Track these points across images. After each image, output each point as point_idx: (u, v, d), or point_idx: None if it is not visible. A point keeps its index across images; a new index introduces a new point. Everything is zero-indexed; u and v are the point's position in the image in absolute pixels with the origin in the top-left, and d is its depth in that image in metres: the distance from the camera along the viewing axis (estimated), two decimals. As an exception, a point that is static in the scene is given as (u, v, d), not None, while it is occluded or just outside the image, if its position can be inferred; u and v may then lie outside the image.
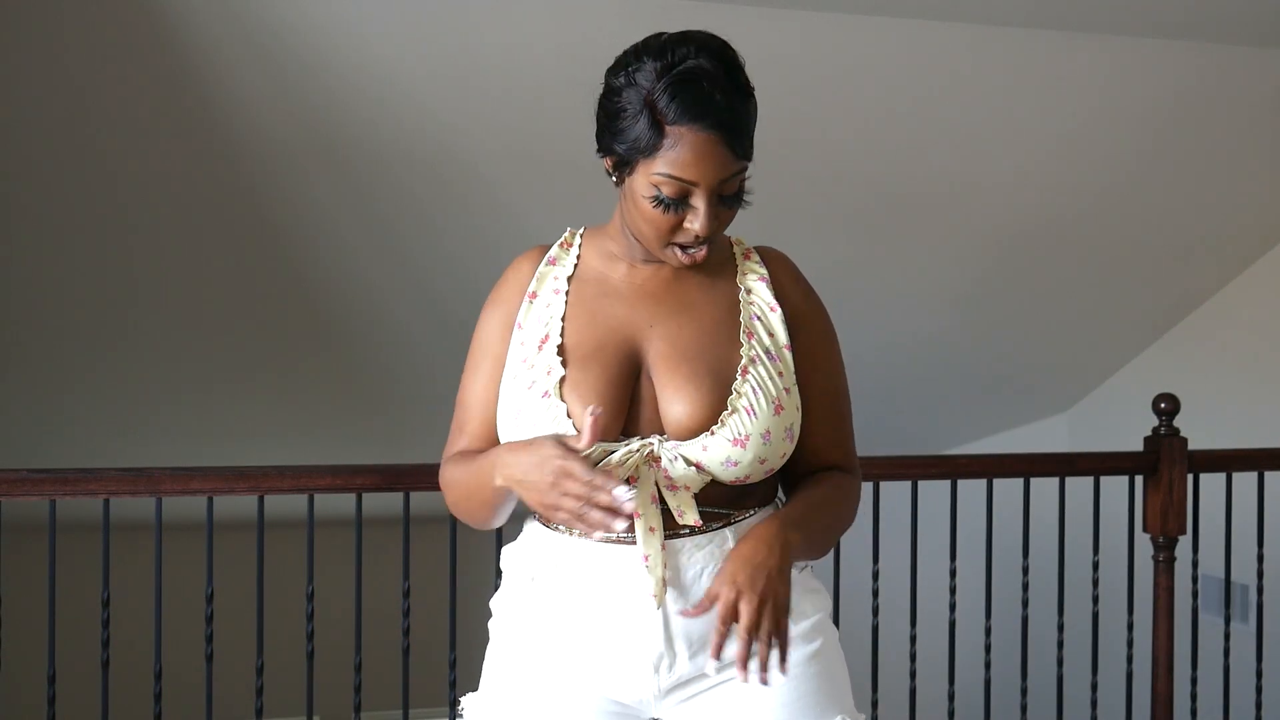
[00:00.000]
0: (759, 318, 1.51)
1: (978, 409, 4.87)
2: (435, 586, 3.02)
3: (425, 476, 2.43)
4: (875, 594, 2.79)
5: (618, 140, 1.43)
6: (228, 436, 4.20)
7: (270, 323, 3.78)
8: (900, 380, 4.54)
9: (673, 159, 1.38)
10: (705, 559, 1.44)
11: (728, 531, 1.46)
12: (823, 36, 3.03)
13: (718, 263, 1.56)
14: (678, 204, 1.41)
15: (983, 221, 3.79)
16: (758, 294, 1.53)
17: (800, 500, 1.49)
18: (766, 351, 1.48)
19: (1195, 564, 3.04)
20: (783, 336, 1.50)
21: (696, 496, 1.43)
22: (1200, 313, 4.28)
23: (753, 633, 1.36)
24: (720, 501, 1.46)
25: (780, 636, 1.37)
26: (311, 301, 3.74)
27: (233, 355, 3.87)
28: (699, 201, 1.41)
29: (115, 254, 3.37)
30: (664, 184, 1.40)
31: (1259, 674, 3.09)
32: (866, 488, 2.79)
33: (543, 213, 3.41)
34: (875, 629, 2.82)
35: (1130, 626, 3.02)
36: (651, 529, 1.40)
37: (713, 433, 1.42)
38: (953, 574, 2.89)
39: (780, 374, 1.47)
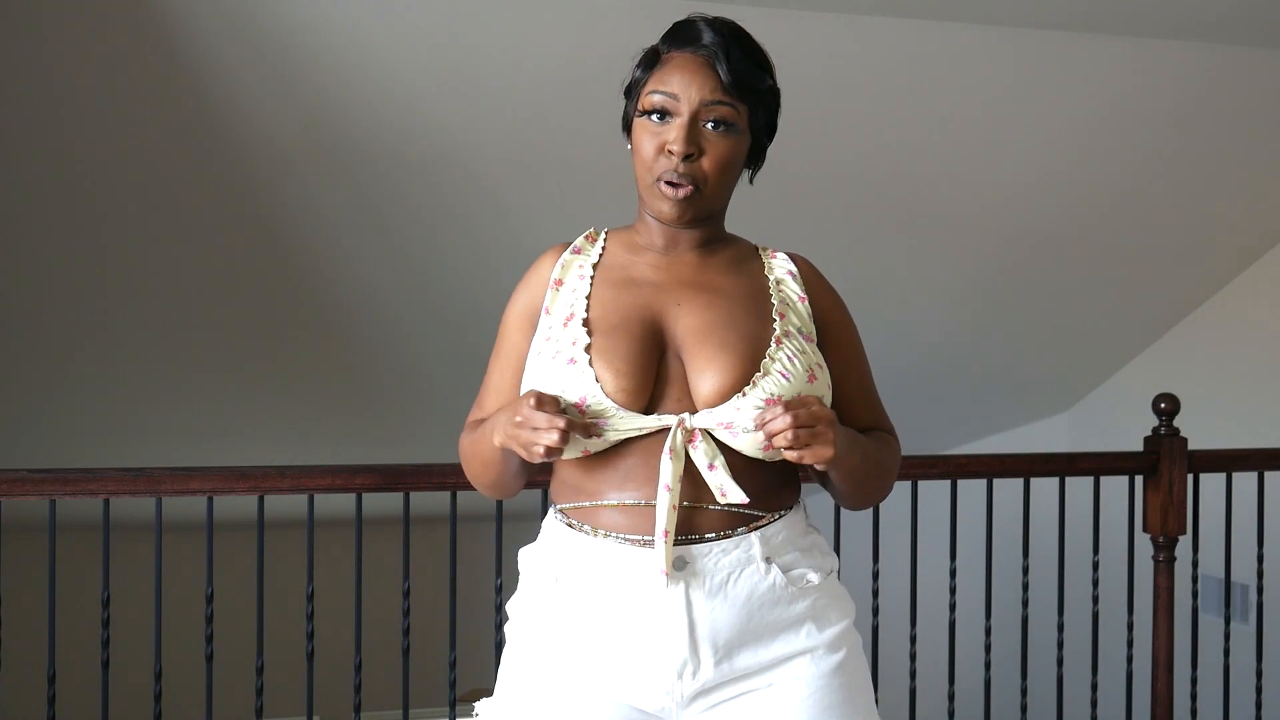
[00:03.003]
0: (789, 304, 1.52)
1: (978, 409, 4.87)
2: (435, 586, 3.03)
3: (425, 476, 2.43)
4: (875, 594, 2.79)
5: (626, 93, 1.53)
6: (228, 436, 4.20)
7: (271, 324, 3.79)
8: (901, 380, 4.54)
9: (661, 77, 1.47)
10: (732, 565, 1.42)
11: (754, 536, 1.43)
12: (821, 37, 3.03)
13: (743, 257, 1.57)
14: (662, 116, 1.45)
15: (983, 223, 3.79)
16: (787, 285, 1.54)
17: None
18: (799, 330, 1.49)
19: (1195, 564, 3.04)
20: (810, 327, 1.52)
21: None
22: (1200, 313, 4.29)
23: (799, 419, 1.37)
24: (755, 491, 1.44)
25: (805, 441, 1.37)
26: (312, 302, 3.74)
27: (232, 356, 3.88)
28: (680, 117, 1.44)
29: (115, 255, 3.38)
30: (651, 101, 1.46)
31: (1259, 674, 3.09)
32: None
33: (540, 215, 3.42)
34: (875, 629, 2.82)
35: (1130, 626, 3.02)
36: (674, 506, 1.38)
37: (744, 394, 1.41)
38: (953, 574, 2.89)
39: (811, 350, 1.48)
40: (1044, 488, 2.97)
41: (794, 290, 1.54)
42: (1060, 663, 2.96)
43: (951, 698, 2.97)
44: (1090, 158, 3.59)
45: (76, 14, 2.71)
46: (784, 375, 1.42)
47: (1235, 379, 4.10)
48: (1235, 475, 3.03)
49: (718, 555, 1.42)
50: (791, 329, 1.48)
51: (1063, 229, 3.87)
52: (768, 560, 1.44)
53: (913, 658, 2.86)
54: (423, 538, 3.00)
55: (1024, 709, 2.97)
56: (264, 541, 2.50)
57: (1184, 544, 3.01)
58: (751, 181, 1.59)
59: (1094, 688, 2.99)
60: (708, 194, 1.47)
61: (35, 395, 3.83)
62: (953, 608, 2.90)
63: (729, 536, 1.43)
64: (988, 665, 2.91)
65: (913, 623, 2.87)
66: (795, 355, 1.44)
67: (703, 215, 1.50)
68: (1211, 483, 3.10)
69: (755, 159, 1.55)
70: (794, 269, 1.56)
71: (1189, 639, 3.09)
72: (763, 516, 1.45)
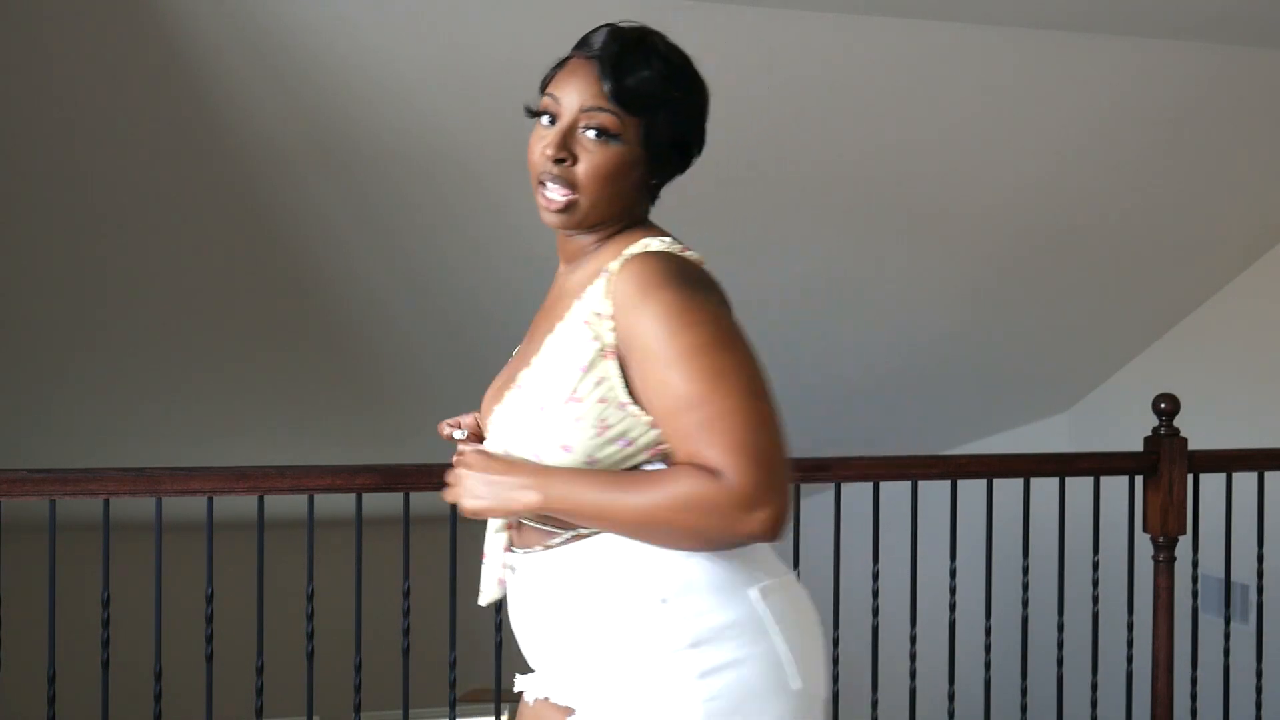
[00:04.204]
0: (577, 321, 1.40)
1: (978, 409, 4.87)
2: (435, 586, 3.02)
3: (425, 476, 2.43)
4: (875, 594, 2.79)
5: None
6: (228, 436, 4.20)
7: (271, 323, 3.79)
8: (901, 380, 4.54)
9: (555, 80, 1.45)
10: (531, 578, 1.45)
11: (547, 555, 1.42)
12: (821, 37, 3.03)
13: (598, 266, 1.46)
14: (552, 119, 1.43)
15: (983, 223, 3.79)
16: (589, 297, 1.41)
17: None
18: (565, 351, 1.39)
19: (1195, 564, 3.04)
20: (587, 345, 1.38)
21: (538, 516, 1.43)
22: (1200, 313, 4.28)
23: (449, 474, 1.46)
24: (543, 519, 1.42)
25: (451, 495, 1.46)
26: (312, 302, 3.74)
27: (232, 356, 3.88)
28: (561, 120, 1.42)
29: (115, 255, 3.37)
30: (542, 104, 1.45)
31: (1259, 674, 3.09)
32: (866, 488, 2.80)
33: (538, 215, 3.41)
34: (875, 629, 2.82)
35: (1130, 626, 3.02)
36: (497, 530, 1.51)
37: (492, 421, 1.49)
38: (953, 574, 2.89)
39: (565, 374, 1.38)
40: (1044, 488, 2.96)
41: (592, 305, 1.39)
42: (1060, 663, 2.96)
43: (951, 698, 2.97)
44: (1090, 157, 3.59)
45: (77, 14, 2.71)
46: (498, 430, 1.46)
47: (1235, 379, 4.10)
48: (1235, 475, 3.03)
49: (524, 567, 1.46)
50: (540, 370, 1.41)
51: (1063, 229, 3.87)
52: (554, 577, 1.42)
53: (913, 658, 2.86)
54: (423, 538, 3.00)
55: (1024, 709, 2.97)
56: (264, 541, 2.50)
57: (1184, 544, 3.01)
58: (658, 191, 1.51)
59: (1094, 688, 2.99)
60: (585, 203, 1.42)
61: (35, 395, 3.83)
62: (953, 608, 2.90)
63: (530, 553, 1.45)
64: (988, 665, 2.91)
65: (913, 623, 2.87)
66: (515, 407, 1.42)
67: (585, 224, 1.45)
68: (1211, 483, 3.10)
69: (662, 169, 1.47)
70: (609, 281, 1.39)
71: (1189, 639, 3.09)
72: (556, 534, 1.42)
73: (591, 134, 1.40)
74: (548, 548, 1.42)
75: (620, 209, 1.46)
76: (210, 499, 2.40)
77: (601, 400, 1.36)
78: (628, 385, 1.36)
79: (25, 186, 3.11)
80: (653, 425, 1.36)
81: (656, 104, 1.41)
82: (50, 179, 3.11)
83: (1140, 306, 4.30)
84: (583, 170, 1.41)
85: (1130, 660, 3.04)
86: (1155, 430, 2.91)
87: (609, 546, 1.38)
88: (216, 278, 3.55)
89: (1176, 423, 2.92)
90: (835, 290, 3.96)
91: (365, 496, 2.48)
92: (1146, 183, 3.71)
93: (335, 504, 2.71)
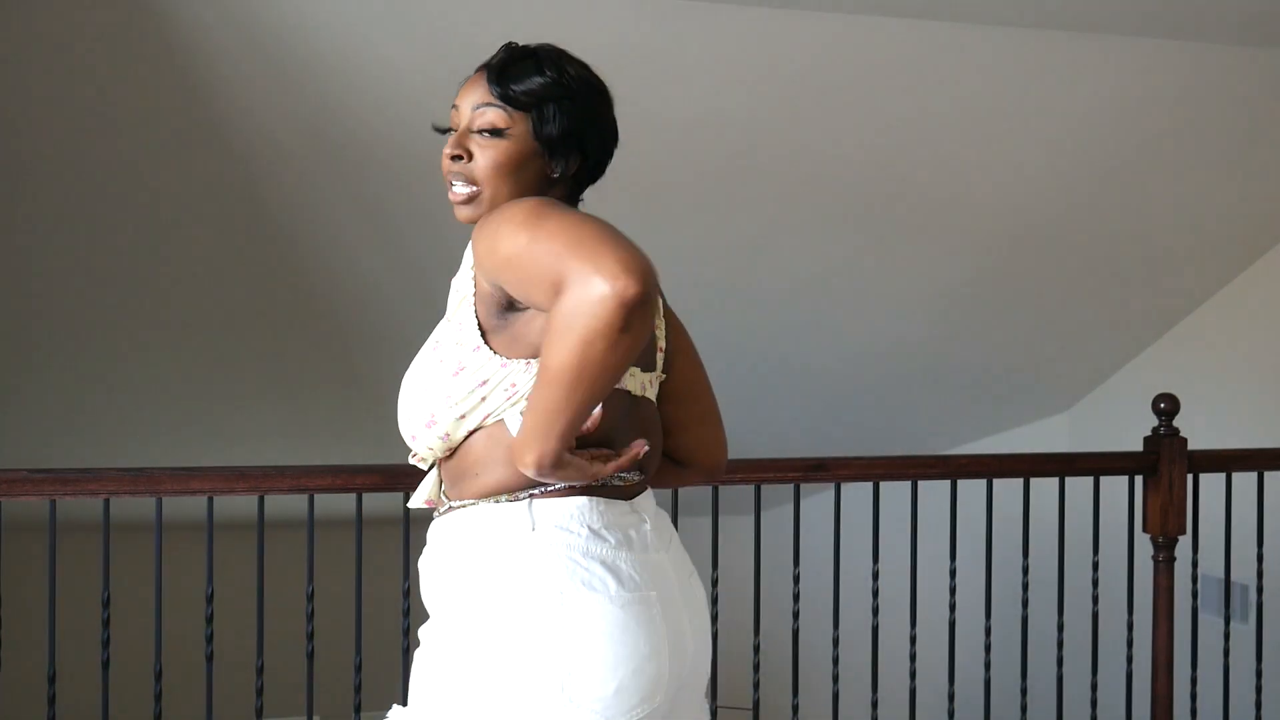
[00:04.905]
0: (460, 277, 1.56)
1: (978, 409, 4.87)
2: (435, 586, 3.02)
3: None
4: (875, 594, 2.80)
5: None
6: (228, 436, 4.20)
7: (271, 322, 3.79)
8: (900, 381, 4.54)
9: (459, 93, 1.58)
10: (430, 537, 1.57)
11: (437, 522, 1.57)
12: (821, 36, 3.03)
13: None
14: (451, 130, 1.57)
15: (982, 222, 3.79)
16: (464, 257, 1.56)
17: None
18: (449, 317, 1.55)
19: (1195, 564, 3.04)
20: (453, 300, 1.55)
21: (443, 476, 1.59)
22: (1200, 313, 4.28)
23: None
24: (446, 483, 1.58)
25: None
26: (312, 301, 3.74)
27: (233, 355, 3.88)
28: (460, 125, 1.55)
29: (115, 254, 3.37)
30: (449, 116, 1.58)
31: (1259, 674, 3.09)
32: (865, 488, 2.80)
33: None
34: (875, 629, 2.82)
35: (1130, 626, 3.02)
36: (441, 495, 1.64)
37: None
38: (953, 574, 2.89)
39: (445, 339, 1.52)
40: (1044, 488, 2.97)
41: (464, 266, 1.55)
42: (1060, 663, 2.96)
43: (951, 698, 2.97)
44: (1090, 157, 3.59)
45: (77, 13, 2.71)
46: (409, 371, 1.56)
47: (1235, 379, 4.10)
48: (1235, 475, 3.03)
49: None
50: (445, 318, 1.55)
51: (1062, 228, 3.87)
52: (433, 540, 1.59)
53: (913, 658, 2.86)
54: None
55: (1024, 709, 2.97)
56: (264, 541, 2.50)
57: (1184, 544, 3.01)
58: (573, 188, 1.61)
59: (1094, 688, 2.99)
60: (486, 194, 1.54)
61: (36, 395, 3.83)
62: (953, 608, 2.90)
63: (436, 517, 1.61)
64: (988, 665, 2.91)
65: (913, 623, 2.87)
66: (416, 359, 1.55)
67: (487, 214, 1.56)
68: (1211, 483, 3.11)
69: (562, 164, 1.56)
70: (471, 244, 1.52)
71: (1189, 639, 3.09)
72: (454, 501, 1.56)
73: (488, 133, 1.53)
74: (438, 514, 1.59)
75: (515, 197, 1.54)
76: (210, 499, 2.40)
77: (457, 343, 1.49)
78: (482, 330, 1.48)
79: (25, 185, 3.11)
80: (503, 365, 1.46)
81: (542, 100, 1.54)
82: (50, 178, 3.11)
83: (1140, 306, 4.30)
84: (479, 165, 1.53)
85: (1130, 660, 3.04)
86: (1155, 430, 2.91)
87: (460, 521, 1.52)
88: (218, 277, 3.55)
89: (1176, 423, 2.92)
90: (835, 290, 3.96)
91: (365, 496, 2.48)
92: (1146, 182, 3.71)
93: (335, 504, 2.71)
